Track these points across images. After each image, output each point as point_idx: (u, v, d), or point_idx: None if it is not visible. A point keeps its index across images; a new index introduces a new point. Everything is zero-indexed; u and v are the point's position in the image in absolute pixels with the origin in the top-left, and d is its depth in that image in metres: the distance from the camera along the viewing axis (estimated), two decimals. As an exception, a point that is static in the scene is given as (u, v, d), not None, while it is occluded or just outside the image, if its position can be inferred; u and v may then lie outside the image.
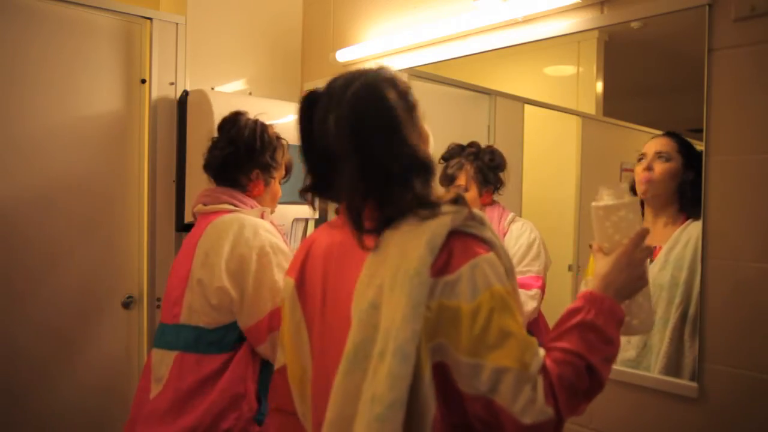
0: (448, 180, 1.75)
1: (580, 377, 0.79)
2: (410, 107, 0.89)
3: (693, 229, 1.39)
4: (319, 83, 0.94)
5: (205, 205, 1.45)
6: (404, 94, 0.88)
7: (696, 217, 1.36)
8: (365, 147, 0.83)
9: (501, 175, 1.72)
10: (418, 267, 0.76)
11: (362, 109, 0.84)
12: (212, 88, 2.18)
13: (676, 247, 1.43)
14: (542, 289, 1.65)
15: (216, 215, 1.40)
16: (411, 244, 0.78)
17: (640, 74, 1.73)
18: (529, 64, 1.97)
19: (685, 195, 1.45)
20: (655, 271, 1.43)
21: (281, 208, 1.95)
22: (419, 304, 0.75)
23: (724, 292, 1.26)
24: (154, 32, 2.05)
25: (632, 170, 1.58)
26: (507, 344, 0.76)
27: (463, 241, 0.80)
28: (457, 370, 0.76)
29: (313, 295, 0.94)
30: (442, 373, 0.77)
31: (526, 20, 1.66)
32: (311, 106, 0.91)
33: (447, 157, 1.79)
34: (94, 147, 2.00)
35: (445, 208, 0.81)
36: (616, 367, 1.44)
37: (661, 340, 1.40)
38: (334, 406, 0.79)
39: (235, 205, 1.42)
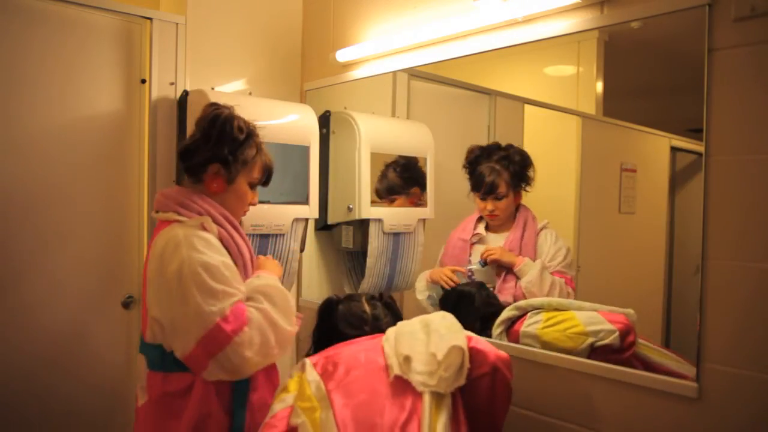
0: (488, 188, 1.75)
1: None
2: None
3: None
4: (319, 83, 0.94)
5: (156, 211, 1.39)
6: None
7: None
8: None
9: (530, 174, 1.74)
10: None
11: None
12: (212, 88, 2.18)
13: None
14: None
15: (162, 227, 1.34)
16: None
17: (640, 74, 1.73)
18: (529, 64, 1.97)
19: None
20: None
21: (281, 209, 1.96)
22: None
23: (724, 292, 1.26)
24: (154, 32, 2.05)
25: (633, 170, 1.58)
26: None
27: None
28: None
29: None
30: None
31: (526, 20, 1.66)
32: None
33: (473, 162, 1.79)
34: (94, 147, 1.99)
35: None
36: (615, 367, 1.44)
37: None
38: None
39: (179, 213, 1.34)
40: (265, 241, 1.94)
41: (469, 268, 1.76)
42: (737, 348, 1.24)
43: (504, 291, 1.74)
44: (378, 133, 2.07)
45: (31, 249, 1.89)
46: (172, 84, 2.10)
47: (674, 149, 1.71)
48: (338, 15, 2.32)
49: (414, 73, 2.11)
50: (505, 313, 1.63)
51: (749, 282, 1.22)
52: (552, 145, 1.99)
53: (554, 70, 1.96)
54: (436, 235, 2.11)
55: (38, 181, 1.89)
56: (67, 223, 1.95)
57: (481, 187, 1.78)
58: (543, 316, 1.56)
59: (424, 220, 2.13)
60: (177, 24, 2.11)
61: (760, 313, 1.21)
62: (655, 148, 1.76)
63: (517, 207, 1.81)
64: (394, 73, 2.11)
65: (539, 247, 1.73)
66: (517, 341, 1.59)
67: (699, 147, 1.31)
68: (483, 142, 1.96)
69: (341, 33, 2.29)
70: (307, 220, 2.06)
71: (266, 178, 1.50)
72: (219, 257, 1.29)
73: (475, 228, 1.85)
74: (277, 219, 1.95)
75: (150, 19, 2.05)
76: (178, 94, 2.10)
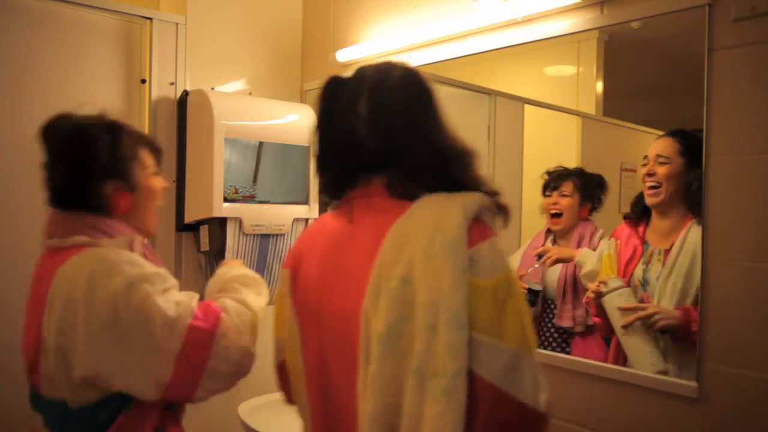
0: (555, 181, 1.78)
1: None
2: (439, 100, 0.93)
3: (693, 234, 1.37)
4: (319, 83, 0.94)
5: (50, 237, 1.12)
6: (434, 88, 0.93)
7: (700, 217, 1.33)
8: (419, 121, 0.86)
9: (602, 196, 1.74)
10: (458, 235, 0.76)
11: (411, 89, 0.89)
12: (212, 88, 2.18)
13: (679, 255, 1.40)
14: None
15: (66, 255, 1.07)
16: (446, 214, 0.78)
17: (640, 74, 1.73)
18: (529, 64, 1.97)
19: (690, 196, 1.39)
20: (662, 279, 1.42)
21: (281, 209, 1.96)
22: (464, 271, 0.74)
23: (724, 292, 1.26)
24: (154, 32, 2.05)
25: (633, 170, 1.58)
26: (524, 327, 0.76)
27: (478, 223, 0.80)
28: (471, 348, 0.74)
29: (306, 288, 0.92)
30: None
31: (526, 20, 1.66)
32: (336, 91, 0.91)
33: (551, 172, 1.83)
34: (94, 147, 1.99)
35: (476, 192, 0.83)
36: (615, 367, 1.44)
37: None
38: (374, 396, 0.76)
39: (95, 237, 1.09)
40: (265, 241, 1.94)
41: (530, 270, 1.76)
42: (737, 348, 1.24)
43: (564, 316, 1.71)
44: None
45: (30, 249, 1.88)
46: (172, 84, 2.10)
47: (674, 149, 1.71)
48: (338, 15, 2.32)
49: (414, 73, 2.11)
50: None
51: (749, 282, 1.22)
52: (552, 145, 1.98)
53: (554, 70, 1.96)
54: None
55: (37, 181, 1.89)
56: (67, 223, 1.94)
57: (551, 179, 1.79)
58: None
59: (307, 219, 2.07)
60: (177, 24, 2.11)
61: (760, 313, 1.21)
62: (655, 148, 1.76)
63: (580, 221, 1.79)
64: (394, 73, 2.10)
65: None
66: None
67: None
68: (483, 142, 1.96)
69: (341, 33, 2.29)
70: (307, 219, 2.06)
71: (157, 155, 1.26)
72: (170, 277, 1.11)
73: (544, 241, 1.84)
74: (277, 219, 1.95)
75: (150, 19, 2.05)
76: (178, 94, 2.10)
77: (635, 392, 1.39)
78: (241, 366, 1.10)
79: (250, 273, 1.28)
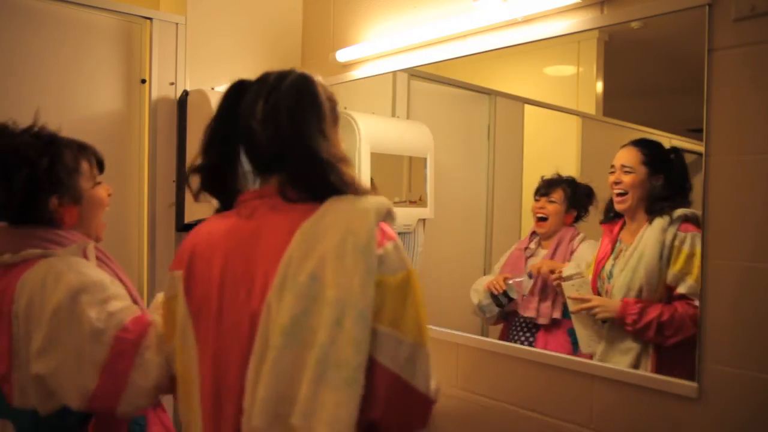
0: (543, 191, 1.87)
1: None
2: (333, 109, 0.96)
3: (646, 235, 1.51)
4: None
5: (1, 254, 1.11)
6: (330, 97, 0.96)
7: (657, 215, 1.50)
8: (300, 127, 0.90)
9: (589, 207, 1.82)
10: (369, 238, 0.81)
11: (299, 96, 0.92)
12: (212, 88, 2.18)
13: (633, 253, 1.53)
14: None
15: (23, 269, 1.08)
16: (357, 217, 0.84)
17: (640, 74, 1.73)
18: (529, 64, 1.97)
19: (652, 200, 1.54)
20: (616, 273, 1.57)
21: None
22: (373, 272, 0.80)
23: (724, 292, 1.26)
24: (154, 32, 2.05)
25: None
26: (421, 321, 0.84)
27: (384, 226, 0.87)
28: (375, 339, 0.80)
29: (203, 289, 0.92)
30: None
31: (526, 20, 1.66)
32: (240, 92, 0.95)
33: (546, 178, 1.90)
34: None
35: (372, 195, 0.89)
36: (615, 367, 1.44)
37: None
38: (268, 383, 0.79)
39: (46, 248, 1.10)
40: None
41: (518, 279, 1.83)
42: (737, 348, 1.24)
43: (529, 307, 1.81)
44: (378, 133, 2.07)
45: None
46: (172, 84, 2.10)
47: (674, 149, 1.71)
48: (338, 15, 2.32)
49: (414, 73, 2.11)
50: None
51: (749, 282, 1.22)
52: (552, 145, 1.99)
53: (554, 70, 1.96)
54: (438, 236, 2.11)
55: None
56: (67, 223, 1.94)
57: (541, 185, 1.88)
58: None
59: (423, 220, 2.13)
60: (177, 24, 2.11)
61: (760, 313, 1.21)
62: (655, 148, 1.76)
63: (564, 226, 1.87)
64: (394, 73, 2.11)
65: (575, 258, 1.76)
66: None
67: (699, 147, 1.31)
68: (483, 142, 1.96)
69: (341, 33, 2.29)
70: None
71: (99, 164, 1.26)
72: (108, 276, 1.11)
73: (530, 241, 1.92)
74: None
75: (150, 19, 2.05)
76: (178, 94, 2.10)
77: (635, 392, 1.39)
78: (161, 383, 1.06)
79: None
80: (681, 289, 1.43)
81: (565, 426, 1.53)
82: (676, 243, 1.47)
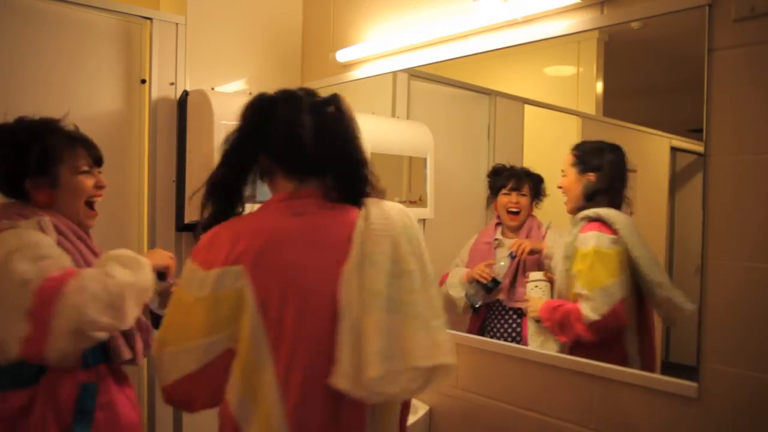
0: (517, 181, 1.96)
1: None
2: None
3: (579, 236, 1.59)
4: (319, 83, 0.96)
5: None
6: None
7: (586, 206, 1.60)
8: (349, 138, 1.09)
9: (542, 195, 1.96)
10: (419, 228, 1.04)
11: (341, 111, 1.10)
12: (212, 88, 2.18)
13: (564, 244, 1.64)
14: None
15: None
16: (405, 213, 1.07)
17: (640, 74, 1.74)
18: (529, 64, 1.97)
19: (585, 199, 1.63)
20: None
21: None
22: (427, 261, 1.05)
23: (724, 292, 1.26)
24: (154, 32, 2.05)
25: (634, 171, 1.60)
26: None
27: None
28: None
29: (279, 277, 0.99)
30: None
31: (526, 20, 1.66)
32: (268, 104, 1.11)
33: (498, 170, 2.01)
34: (94, 147, 1.99)
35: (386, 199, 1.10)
36: (615, 367, 1.44)
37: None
38: (377, 340, 0.93)
39: (15, 219, 1.22)
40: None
41: (500, 264, 1.89)
42: (737, 348, 1.24)
43: (515, 298, 1.89)
44: (378, 134, 2.07)
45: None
46: (172, 84, 2.10)
47: (674, 149, 1.71)
48: (338, 15, 2.32)
49: (414, 73, 2.11)
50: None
51: (749, 282, 1.23)
52: (552, 145, 1.99)
53: (554, 70, 1.97)
54: (439, 235, 2.11)
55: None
56: (67, 223, 1.94)
57: (510, 180, 1.96)
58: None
59: (423, 220, 2.13)
60: (177, 24, 2.11)
61: (760, 313, 1.21)
62: (655, 149, 1.76)
63: (529, 217, 1.97)
64: (394, 73, 2.11)
65: (548, 244, 1.85)
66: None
67: (699, 147, 1.31)
68: (483, 142, 1.97)
69: (341, 33, 2.29)
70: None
71: (95, 158, 1.39)
72: (51, 242, 1.20)
73: (495, 233, 1.99)
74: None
75: (150, 19, 2.05)
76: (178, 94, 2.10)
77: (635, 392, 1.39)
78: (84, 330, 1.12)
79: (133, 254, 1.29)
80: (576, 289, 1.53)
81: (565, 426, 1.53)
82: (576, 243, 1.57)
